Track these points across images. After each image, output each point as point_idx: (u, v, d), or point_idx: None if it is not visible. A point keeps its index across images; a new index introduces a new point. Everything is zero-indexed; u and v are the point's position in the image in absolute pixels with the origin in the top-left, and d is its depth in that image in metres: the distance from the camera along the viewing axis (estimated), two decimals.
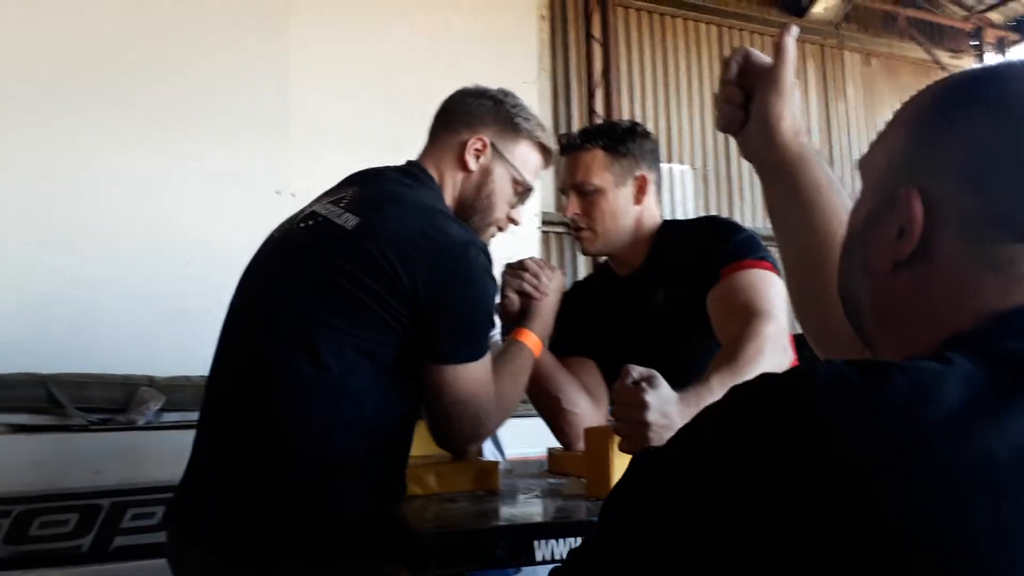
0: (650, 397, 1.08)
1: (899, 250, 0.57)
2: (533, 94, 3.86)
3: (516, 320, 1.53)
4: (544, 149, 1.48)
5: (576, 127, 4.03)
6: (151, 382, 2.80)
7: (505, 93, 1.49)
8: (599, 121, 3.97)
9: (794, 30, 0.85)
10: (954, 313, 0.55)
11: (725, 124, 0.90)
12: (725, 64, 0.87)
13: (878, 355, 0.65)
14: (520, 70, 3.84)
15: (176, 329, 3.05)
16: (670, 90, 4.29)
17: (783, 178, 0.86)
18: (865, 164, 0.67)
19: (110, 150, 3.05)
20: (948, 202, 0.55)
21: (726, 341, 1.33)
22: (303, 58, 3.43)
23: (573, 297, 1.74)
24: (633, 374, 1.23)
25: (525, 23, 3.92)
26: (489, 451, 1.82)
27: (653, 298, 1.58)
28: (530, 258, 1.56)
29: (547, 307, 1.53)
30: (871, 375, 0.46)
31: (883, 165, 0.62)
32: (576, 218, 1.58)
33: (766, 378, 0.50)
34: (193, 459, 1.29)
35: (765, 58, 0.85)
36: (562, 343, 1.65)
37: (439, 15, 3.69)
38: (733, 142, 0.91)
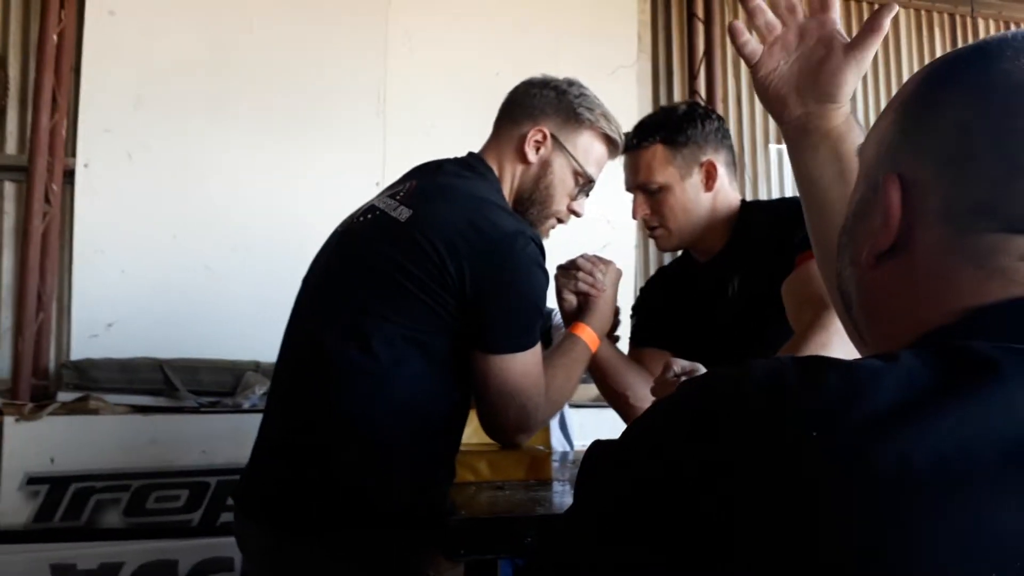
0: None
1: (879, 242, 0.54)
2: (632, 77, 3.80)
3: (574, 315, 1.52)
4: (609, 140, 1.45)
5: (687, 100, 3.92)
6: (257, 367, 2.97)
7: (570, 83, 1.46)
8: (701, 102, 3.85)
9: (894, 8, 0.79)
10: (931, 308, 0.51)
11: (759, 60, 0.83)
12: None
13: (866, 350, 0.61)
14: (619, 54, 3.78)
15: (282, 315, 3.23)
16: None
17: (826, 143, 0.82)
18: (860, 151, 0.63)
19: (237, 150, 3.26)
20: (929, 190, 0.52)
21: (796, 332, 1.27)
22: (401, 51, 3.50)
23: (651, 287, 1.70)
24: (675, 367, 1.19)
25: (625, 6, 3.85)
26: (557, 440, 1.81)
27: (728, 285, 1.52)
28: (582, 256, 1.53)
29: (604, 302, 1.50)
30: (806, 374, 0.44)
31: (872, 152, 0.59)
32: (647, 218, 1.53)
33: (708, 376, 0.49)
34: (257, 442, 1.35)
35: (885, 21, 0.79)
36: (640, 334, 1.62)
37: (535, 5, 3.68)
38: None
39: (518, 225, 1.29)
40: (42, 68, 3.00)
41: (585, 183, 1.45)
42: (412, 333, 1.22)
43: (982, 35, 4.44)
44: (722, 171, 1.52)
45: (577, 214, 1.48)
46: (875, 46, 0.78)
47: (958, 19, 4.52)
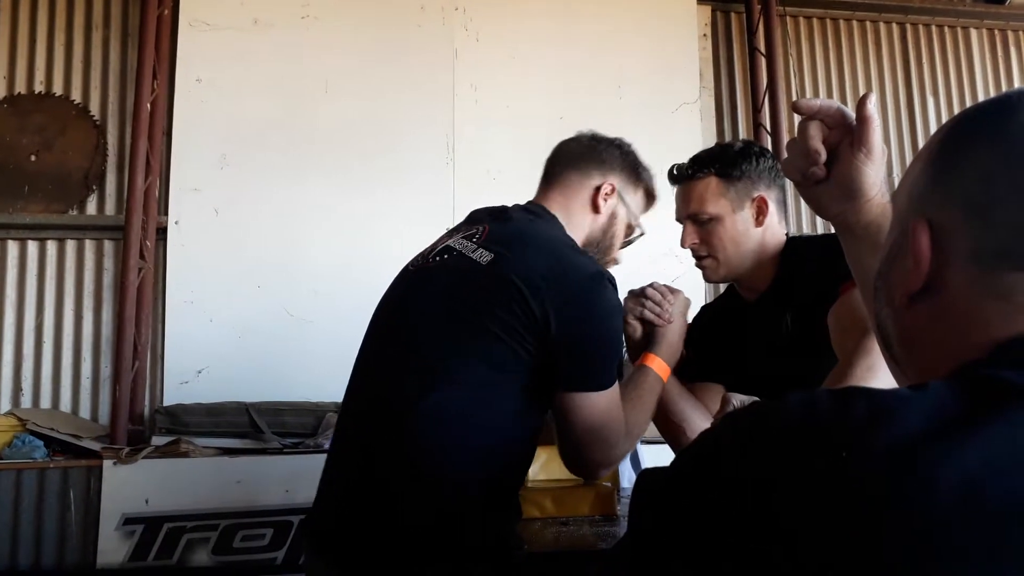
0: None
1: (912, 282, 0.57)
2: (696, 114, 3.82)
3: (639, 346, 1.54)
4: (653, 197, 1.56)
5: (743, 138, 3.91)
6: (337, 408, 3.06)
7: (625, 142, 1.55)
8: (767, 135, 3.84)
9: (872, 97, 0.82)
10: (964, 343, 0.54)
11: (800, 178, 0.86)
12: (811, 115, 0.83)
13: (907, 384, 0.64)
14: (682, 91, 3.82)
15: None
16: (847, 97, 4.05)
17: (868, 235, 0.85)
18: (894, 198, 0.67)
19: (315, 202, 3.43)
20: (957, 234, 0.55)
21: (840, 358, 1.27)
22: (468, 102, 3.62)
23: (700, 323, 1.71)
24: (734, 402, 1.20)
25: (686, 45, 3.89)
26: (627, 477, 1.82)
27: (781, 322, 1.52)
28: (651, 284, 1.56)
29: (673, 332, 1.52)
30: (837, 401, 0.48)
31: (904, 199, 0.62)
32: (695, 247, 1.55)
33: (748, 409, 0.53)
34: (326, 480, 1.40)
35: (851, 114, 0.82)
36: (690, 369, 1.63)
37: (598, 50, 3.76)
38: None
39: (596, 266, 1.34)
40: (137, 134, 3.24)
41: (632, 234, 1.53)
42: (491, 373, 1.25)
43: None
44: (773, 208, 1.53)
45: (618, 262, 1.56)
46: (876, 135, 0.80)
47: None
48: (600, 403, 1.28)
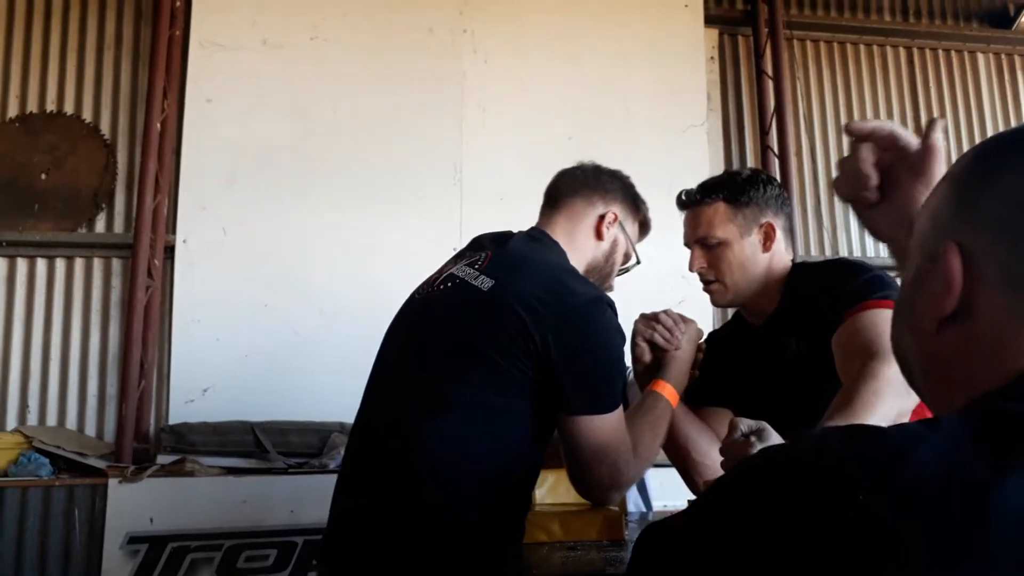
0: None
1: (941, 307, 0.56)
2: (703, 136, 3.83)
3: (647, 368, 1.54)
4: (647, 228, 1.63)
5: (751, 167, 3.93)
6: (342, 428, 3.06)
7: (623, 174, 1.61)
8: (774, 158, 3.84)
9: (941, 123, 0.80)
10: (989, 371, 0.53)
11: (853, 200, 0.84)
12: (862, 138, 0.81)
13: (931, 412, 0.63)
14: (690, 113, 3.83)
15: (366, 378, 3.33)
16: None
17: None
18: (915, 225, 0.66)
19: (323, 222, 3.44)
20: (987, 258, 0.55)
21: (844, 382, 1.26)
22: (476, 122, 3.64)
23: (707, 348, 1.71)
24: (742, 427, 1.20)
25: (693, 67, 3.90)
26: (633, 502, 1.81)
27: (786, 347, 1.52)
28: (665, 311, 1.57)
29: (682, 358, 1.53)
30: (848, 439, 0.48)
31: (928, 224, 0.62)
32: (703, 271, 1.57)
33: (755, 458, 0.53)
34: (337, 504, 1.40)
35: (911, 141, 0.79)
36: (697, 393, 1.63)
37: (606, 72, 3.78)
38: None
39: (595, 291, 1.35)
40: (147, 153, 3.26)
41: (627, 262, 1.59)
42: (493, 398, 1.27)
43: None
44: (780, 235, 1.55)
45: (611, 289, 1.59)
46: (938, 165, 0.78)
47: None
48: (605, 426, 1.29)
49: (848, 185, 0.82)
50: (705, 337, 1.64)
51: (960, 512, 0.42)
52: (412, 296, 1.49)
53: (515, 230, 1.50)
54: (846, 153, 0.83)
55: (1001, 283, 0.53)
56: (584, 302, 1.30)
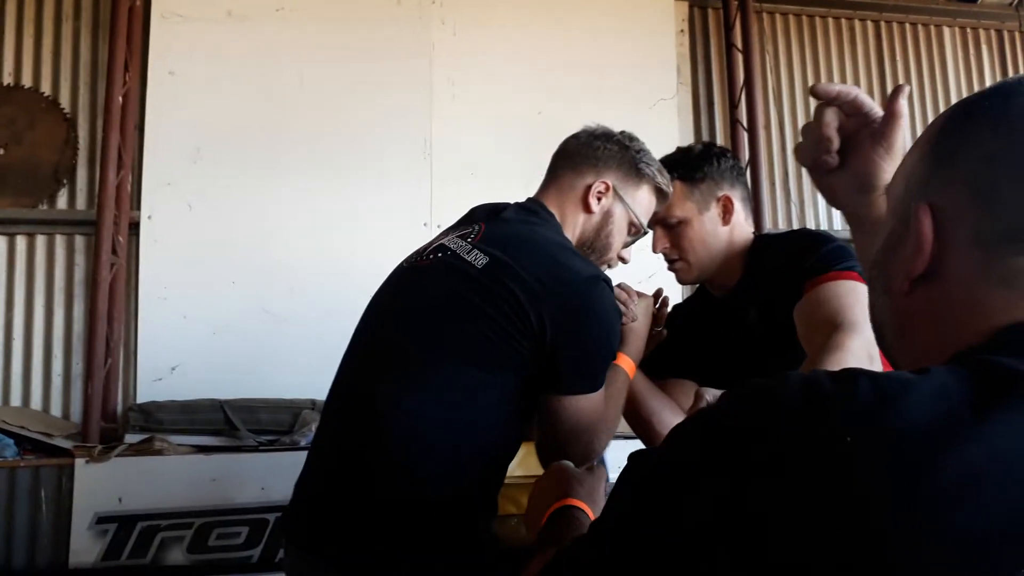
0: None
1: (913, 267, 0.57)
2: (673, 109, 3.83)
3: None
4: (661, 192, 1.50)
5: (720, 140, 3.94)
6: (313, 405, 3.04)
7: (631, 138, 1.51)
8: (743, 132, 3.86)
9: (906, 89, 0.80)
10: (965, 329, 0.54)
11: (813, 165, 0.83)
12: (828, 100, 0.80)
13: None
14: (659, 87, 3.83)
15: (337, 354, 3.31)
16: None
17: (877, 232, 0.84)
18: (888, 188, 0.66)
19: (291, 197, 3.40)
20: (959, 218, 0.55)
21: (809, 353, 1.28)
22: (446, 96, 3.61)
23: (672, 320, 1.72)
24: (707, 397, 1.21)
25: (664, 40, 3.90)
26: None
27: (747, 318, 1.54)
28: (619, 284, 1.56)
29: (637, 330, 1.53)
30: (839, 381, 0.47)
31: (901, 187, 0.62)
32: (666, 251, 1.57)
33: (748, 388, 0.51)
34: (307, 471, 1.38)
35: (875, 108, 0.79)
36: (661, 366, 1.64)
37: (576, 45, 3.76)
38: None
39: (594, 270, 1.32)
40: (109, 127, 3.19)
41: (637, 232, 1.51)
42: (473, 371, 1.24)
43: None
44: (738, 206, 1.56)
45: (625, 261, 1.54)
46: (899, 131, 0.78)
47: (1005, 35, 4.46)
48: (588, 405, 1.28)
49: (809, 150, 0.82)
50: (671, 310, 1.65)
51: (946, 456, 0.42)
52: (400, 265, 1.44)
53: (511, 201, 1.47)
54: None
55: (972, 242, 0.54)
56: (581, 280, 1.26)
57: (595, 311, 1.27)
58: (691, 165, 1.55)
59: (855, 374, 0.47)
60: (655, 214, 1.54)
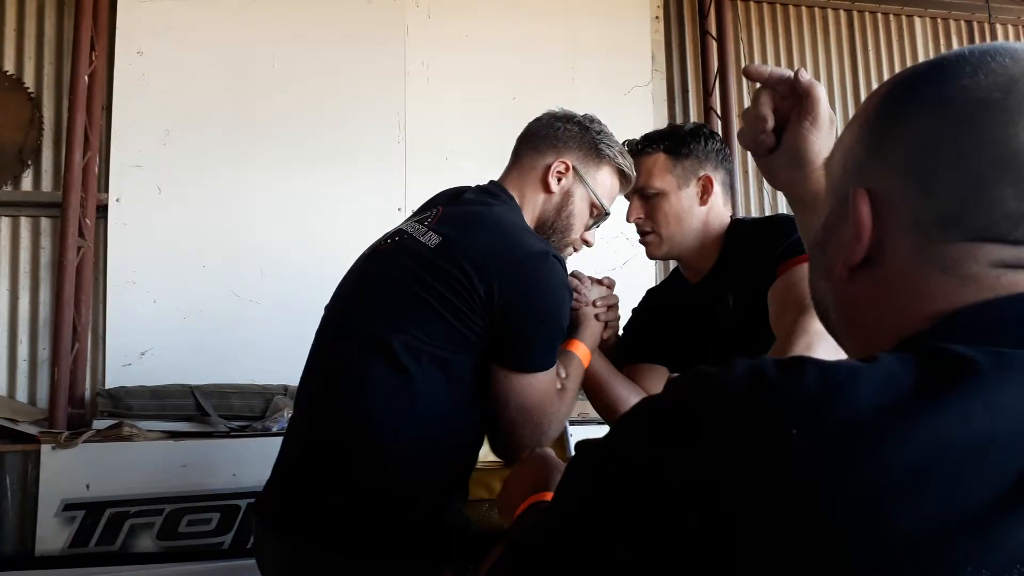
0: None
1: (853, 255, 0.56)
2: (647, 96, 3.84)
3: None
4: (623, 175, 1.50)
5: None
6: (285, 391, 3.03)
7: (591, 119, 1.51)
8: (717, 120, 3.87)
9: (803, 72, 0.82)
10: (907, 316, 0.53)
11: (752, 146, 0.86)
12: (761, 81, 0.83)
13: (849, 357, 0.63)
14: (634, 74, 3.83)
15: (309, 340, 3.28)
16: None
17: (816, 206, 0.82)
18: (827, 164, 0.65)
19: (262, 181, 3.36)
20: (897, 203, 0.54)
21: (777, 336, 1.28)
22: (419, 80, 3.58)
23: (645, 305, 1.72)
24: None
25: (638, 27, 3.90)
26: None
27: (723, 304, 1.54)
28: (573, 272, 1.56)
29: (591, 316, 1.54)
30: (785, 369, 0.46)
31: (839, 166, 0.61)
32: (639, 222, 1.56)
33: (692, 375, 0.50)
34: (281, 455, 1.38)
35: (811, 88, 0.81)
36: (634, 350, 1.64)
37: (551, 30, 3.74)
38: None
39: (544, 246, 1.32)
40: (75, 108, 3.12)
41: (599, 215, 1.50)
42: (438, 353, 1.25)
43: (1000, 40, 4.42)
44: (718, 189, 1.55)
45: (589, 244, 1.53)
46: (819, 104, 0.80)
47: (975, 26, 4.51)
48: (538, 385, 1.28)
49: (749, 132, 0.84)
50: (644, 294, 1.65)
51: (891, 448, 0.41)
52: (364, 252, 1.47)
53: (473, 185, 1.48)
54: None
55: (911, 227, 0.53)
56: (529, 255, 1.27)
57: (543, 286, 1.27)
58: (679, 140, 1.54)
59: (802, 362, 0.46)
60: (634, 183, 1.54)
